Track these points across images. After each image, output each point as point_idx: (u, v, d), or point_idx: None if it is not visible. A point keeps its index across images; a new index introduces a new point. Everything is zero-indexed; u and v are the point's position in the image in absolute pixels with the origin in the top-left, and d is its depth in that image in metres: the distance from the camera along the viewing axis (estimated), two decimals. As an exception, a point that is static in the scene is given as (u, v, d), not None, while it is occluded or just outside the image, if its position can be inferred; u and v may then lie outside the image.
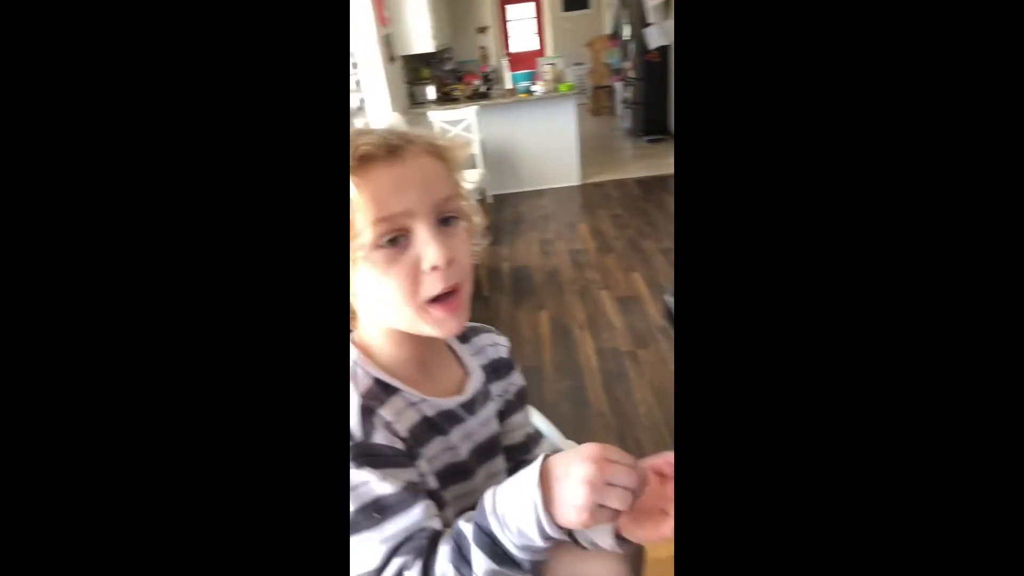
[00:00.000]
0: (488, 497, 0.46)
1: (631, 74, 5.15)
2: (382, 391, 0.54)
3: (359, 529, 0.48)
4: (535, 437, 0.71)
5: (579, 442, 0.75)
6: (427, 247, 0.49)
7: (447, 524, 0.52)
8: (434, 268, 0.49)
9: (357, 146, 0.48)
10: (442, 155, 0.53)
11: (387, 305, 0.51)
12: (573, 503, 0.41)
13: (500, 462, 0.63)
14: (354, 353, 0.55)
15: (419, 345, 0.56)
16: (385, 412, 0.52)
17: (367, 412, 0.51)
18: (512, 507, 0.44)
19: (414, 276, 0.49)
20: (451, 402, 0.58)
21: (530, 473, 0.43)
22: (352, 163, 0.47)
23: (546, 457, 0.44)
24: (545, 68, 4.14)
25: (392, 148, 0.49)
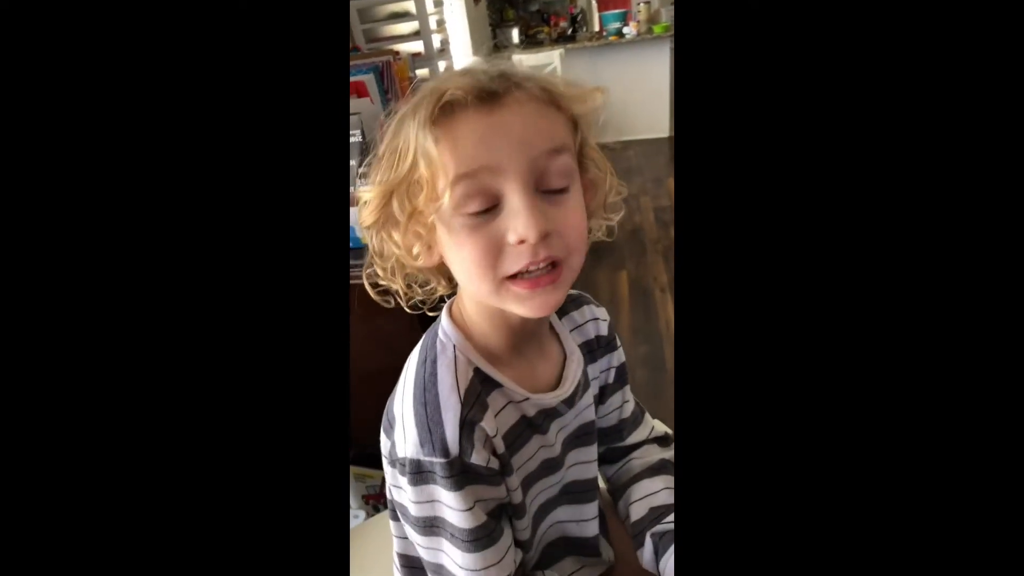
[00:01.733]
0: None
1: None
2: (484, 386, 0.47)
3: (431, 534, 0.47)
4: (631, 420, 0.64)
5: (654, 409, 0.67)
6: (516, 216, 0.40)
7: (523, 537, 0.51)
8: (521, 242, 0.40)
9: (444, 90, 0.39)
10: (559, 103, 0.42)
11: (464, 281, 0.45)
12: None
13: (591, 451, 0.58)
14: (455, 335, 0.48)
15: (518, 325, 0.48)
16: (486, 423, 0.45)
17: (468, 426, 0.44)
18: None
19: (495, 248, 0.41)
20: (553, 399, 0.52)
21: None
22: (434, 111, 0.39)
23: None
24: (639, 7, 3.82)
25: (488, 93, 0.40)
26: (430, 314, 0.52)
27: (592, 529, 0.60)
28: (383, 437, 0.51)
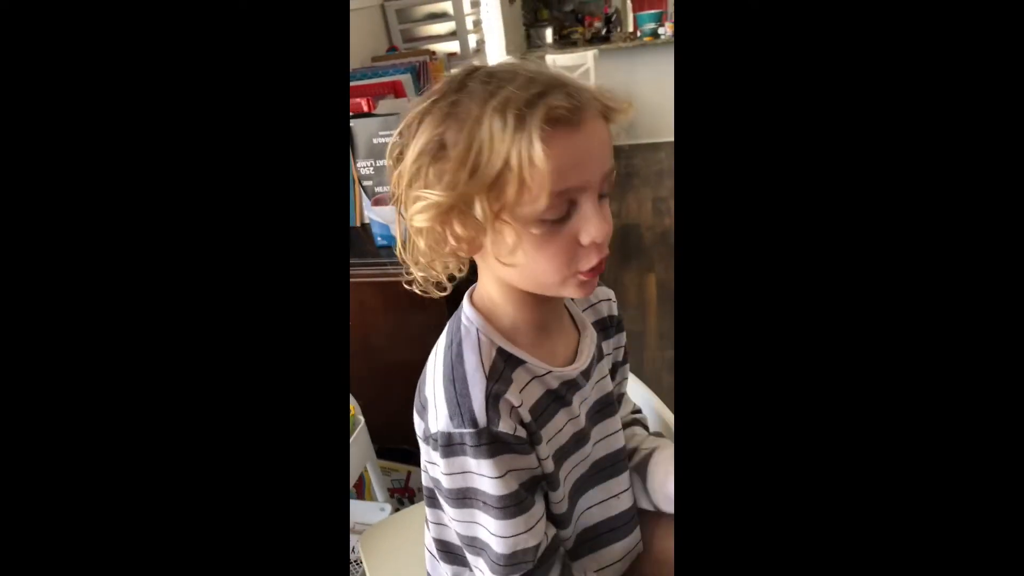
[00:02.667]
0: None
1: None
2: (507, 364, 0.51)
3: (463, 505, 0.50)
4: (625, 395, 0.70)
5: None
6: (588, 222, 0.45)
7: (559, 511, 0.54)
8: (592, 243, 0.45)
9: (551, 107, 0.41)
10: (612, 119, 0.47)
11: (531, 274, 0.47)
12: None
13: (614, 422, 0.62)
14: (477, 319, 0.52)
15: (541, 306, 0.52)
16: (511, 395, 0.49)
17: (493, 398, 0.48)
18: None
19: (571, 251, 0.46)
20: (573, 371, 0.55)
21: None
22: (541, 124, 0.41)
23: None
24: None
25: (575, 109, 0.43)
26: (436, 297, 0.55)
27: (627, 500, 0.62)
28: (417, 419, 0.54)
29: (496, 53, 3.21)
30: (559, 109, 0.41)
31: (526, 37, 4.00)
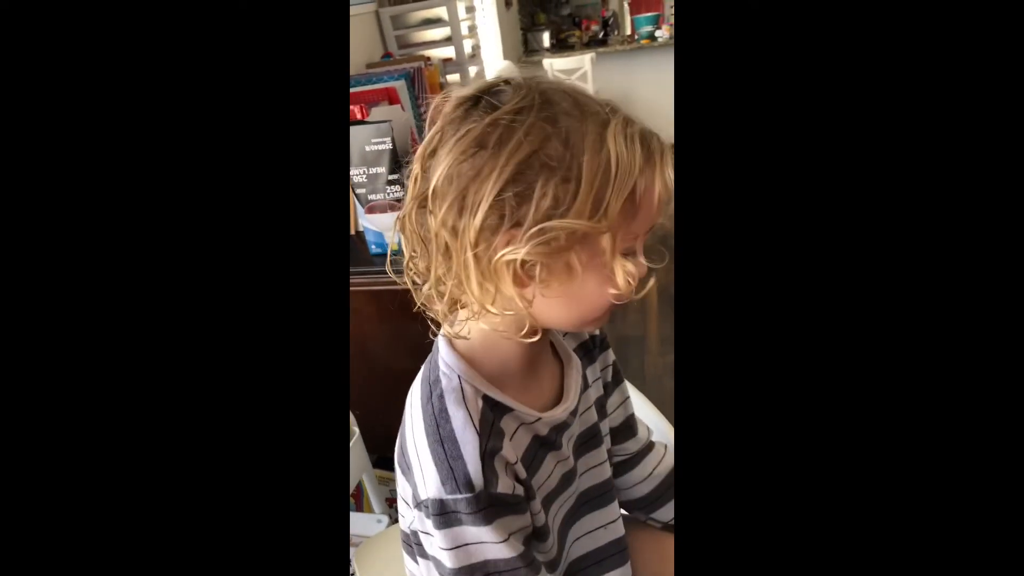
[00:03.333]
0: None
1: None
2: (495, 412, 0.45)
3: None
4: (635, 416, 0.65)
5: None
6: (638, 266, 0.43)
7: (549, 558, 0.49)
8: (630, 282, 0.42)
9: (662, 139, 0.41)
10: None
11: (586, 308, 0.43)
12: None
13: (600, 452, 0.57)
14: (459, 365, 0.46)
15: (533, 344, 0.46)
16: (507, 451, 0.44)
17: (489, 456, 0.43)
18: None
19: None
20: (563, 414, 0.51)
21: None
22: (655, 155, 0.40)
23: None
24: (672, 9, 3.78)
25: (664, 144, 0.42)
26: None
27: (618, 530, 0.59)
28: (400, 478, 0.49)
29: (492, 58, 3.21)
30: (664, 144, 0.40)
31: (523, 41, 4.00)
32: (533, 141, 0.38)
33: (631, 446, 0.64)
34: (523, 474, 0.45)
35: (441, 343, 0.48)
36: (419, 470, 0.44)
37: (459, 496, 0.41)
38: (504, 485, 0.43)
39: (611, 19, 4.34)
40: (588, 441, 0.56)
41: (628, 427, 0.64)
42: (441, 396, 0.45)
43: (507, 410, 0.46)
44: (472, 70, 2.45)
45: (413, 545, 0.50)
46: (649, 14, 3.85)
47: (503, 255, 0.38)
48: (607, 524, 0.58)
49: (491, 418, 0.45)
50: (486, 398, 0.45)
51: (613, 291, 0.41)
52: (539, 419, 0.48)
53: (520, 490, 0.45)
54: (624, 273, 0.41)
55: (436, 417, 0.44)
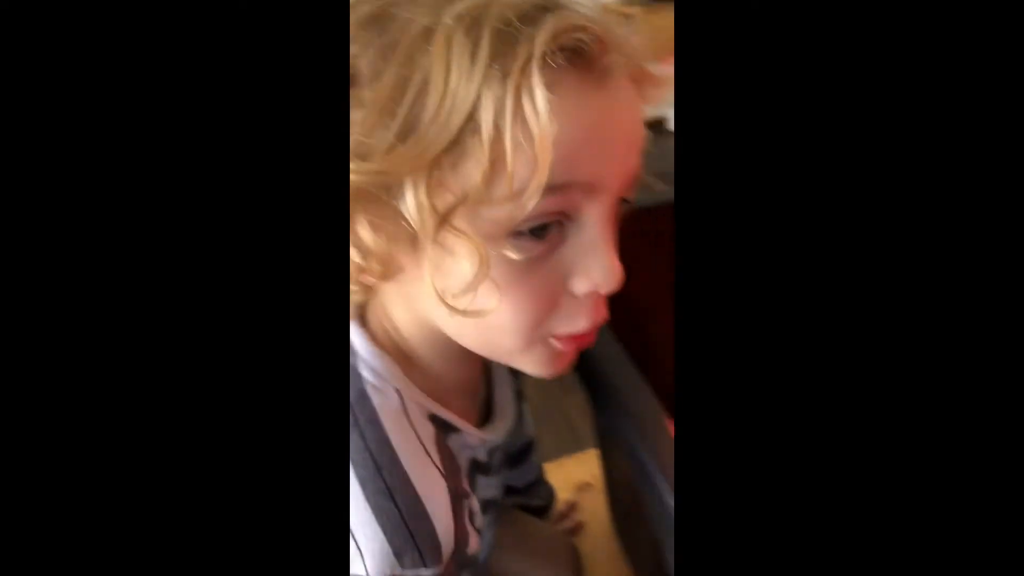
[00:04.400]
0: None
1: None
2: (441, 432, 0.33)
3: None
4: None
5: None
6: (591, 255, 0.26)
7: None
8: (593, 292, 0.27)
9: (564, 27, 0.23)
10: (644, 93, 0.28)
11: (483, 328, 0.28)
12: None
13: (529, 468, 0.54)
14: (390, 372, 0.31)
15: (475, 356, 0.33)
16: (472, 488, 0.35)
17: (457, 501, 0.31)
18: None
19: (553, 298, 0.27)
20: (502, 433, 0.39)
21: None
22: (546, 54, 0.23)
23: None
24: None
25: (600, 44, 0.24)
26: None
27: (531, 475, 0.54)
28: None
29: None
30: (577, 34, 0.23)
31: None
32: (396, 55, 0.24)
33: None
34: (480, 523, 0.35)
35: (357, 336, 0.32)
36: (352, 541, 0.29)
37: (425, 571, 0.29)
38: (475, 539, 0.32)
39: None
40: (515, 458, 0.48)
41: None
42: (376, 423, 0.30)
43: (452, 429, 0.34)
44: None
45: None
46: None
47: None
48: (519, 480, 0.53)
49: (437, 437, 0.32)
50: (433, 417, 0.33)
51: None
52: (483, 443, 0.36)
53: (476, 542, 0.34)
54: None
55: (376, 457, 0.29)
